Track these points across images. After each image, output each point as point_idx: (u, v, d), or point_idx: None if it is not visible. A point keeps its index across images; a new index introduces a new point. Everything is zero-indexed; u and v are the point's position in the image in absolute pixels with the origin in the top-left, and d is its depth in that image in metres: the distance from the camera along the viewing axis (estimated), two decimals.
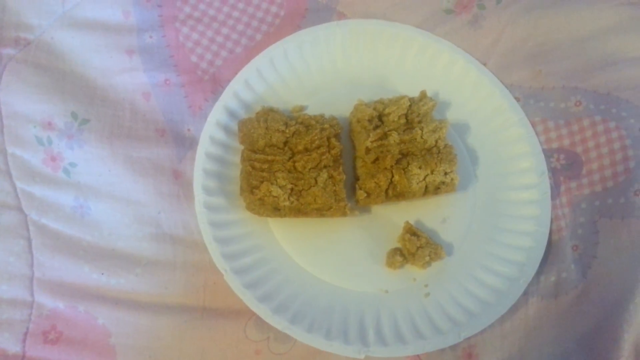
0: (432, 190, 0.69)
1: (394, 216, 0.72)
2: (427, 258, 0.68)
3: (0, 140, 0.69)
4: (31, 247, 0.68)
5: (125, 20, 0.78)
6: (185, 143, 0.74)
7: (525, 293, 0.68)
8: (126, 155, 0.73)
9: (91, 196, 0.71)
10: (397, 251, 0.70)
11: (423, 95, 0.73)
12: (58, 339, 0.66)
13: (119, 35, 0.77)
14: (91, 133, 0.72)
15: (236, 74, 0.76)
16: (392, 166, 0.68)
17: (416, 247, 0.69)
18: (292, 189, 0.67)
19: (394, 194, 0.69)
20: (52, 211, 0.69)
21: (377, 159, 0.69)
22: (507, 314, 0.67)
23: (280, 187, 0.67)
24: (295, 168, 0.69)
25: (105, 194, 0.71)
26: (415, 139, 0.70)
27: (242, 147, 0.71)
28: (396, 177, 0.68)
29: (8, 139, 0.70)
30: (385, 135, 0.70)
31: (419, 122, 0.72)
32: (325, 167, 0.69)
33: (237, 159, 0.71)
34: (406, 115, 0.72)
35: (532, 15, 0.78)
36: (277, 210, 0.68)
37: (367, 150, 0.69)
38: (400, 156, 0.69)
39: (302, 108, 0.76)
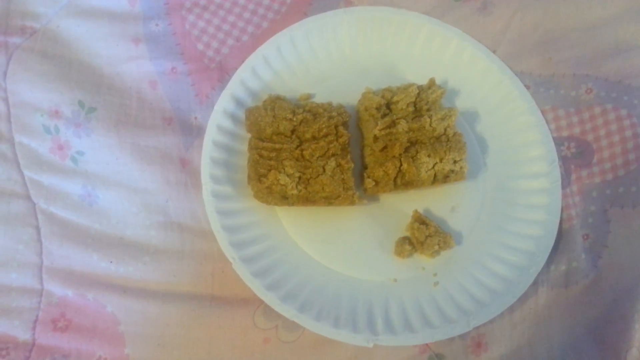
0: (441, 178, 0.68)
1: (403, 205, 0.71)
2: (436, 247, 0.68)
3: (8, 129, 0.69)
4: (40, 236, 0.67)
5: (132, 8, 0.77)
6: (193, 131, 0.74)
7: (535, 282, 0.68)
8: (133, 143, 0.72)
9: (99, 184, 0.70)
10: (405, 240, 0.69)
11: (432, 83, 0.72)
12: (67, 327, 0.66)
13: (125, 23, 0.77)
14: (98, 121, 0.72)
15: (243, 62, 0.75)
16: (400, 154, 0.68)
17: (425, 236, 0.68)
18: (300, 177, 0.67)
19: (403, 182, 0.68)
20: (60, 199, 0.69)
21: (385, 147, 0.68)
22: (516, 304, 0.67)
23: (288, 175, 0.66)
24: (303, 156, 0.68)
25: (113, 183, 0.71)
26: (424, 127, 0.69)
27: (249, 135, 0.70)
28: (405, 166, 0.67)
29: (15, 128, 0.69)
30: (393, 124, 0.69)
31: (428, 110, 0.71)
32: (333, 155, 0.68)
33: (244, 147, 0.71)
34: (415, 103, 0.71)
35: (541, 2, 0.76)
36: (284, 199, 0.67)
37: (375, 138, 0.68)
38: (408, 144, 0.68)
39: (309, 96, 0.75)
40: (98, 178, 0.70)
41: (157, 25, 0.77)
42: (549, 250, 0.68)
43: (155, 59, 0.76)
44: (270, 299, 0.65)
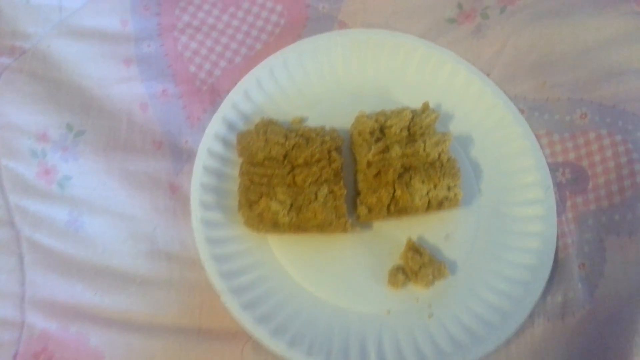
0: (435, 205, 0.66)
1: (396, 232, 0.69)
2: (431, 277, 0.66)
3: None
4: (23, 265, 0.65)
5: (123, 28, 0.76)
6: (183, 156, 0.72)
7: (531, 314, 0.65)
8: (122, 168, 0.70)
9: (85, 211, 0.68)
10: (399, 269, 0.67)
11: (425, 107, 0.71)
12: None
13: (116, 44, 0.75)
14: (86, 145, 0.70)
15: (235, 84, 0.73)
16: (394, 180, 0.66)
17: (419, 266, 0.66)
18: (291, 205, 0.65)
19: (396, 209, 0.66)
20: (46, 226, 0.67)
21: (378, 173, 0.66)
22: (512, 336, 0.64)
23: (279, 202, 0.64)
24: (295, 182, 0.66)
25: (100, 209, 0.69)
26: (418, 152, 0.67)
27: (241, 160, 0.68)
28: (398, 192, 0.65)
29: (1, 151, 0.68)
30: (387, 149, 0.67)
31: (422, 134, 0.69)
32: (325, 181, 0.66)
33: (235, 172, 0.68)
34: (408, 128, 0.69)
35: (536, 25, 0.75)
36: (276, 227, 0.65)
37: (369, 163, 0.67)
38: (402, 170, 0.67)
39: (302, 120, 0.73)
40: (85, 204, 0.68)
41: (149, 46, 0.76)
42: (545, 280, 0.66)
43: (146, 80, 0.74)
44: (259, 333, 0.62)
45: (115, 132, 0.71)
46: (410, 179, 0.66)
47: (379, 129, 0.69)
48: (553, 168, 0.71)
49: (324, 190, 0.65)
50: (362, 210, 0.66)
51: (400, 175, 0.66)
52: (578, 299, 0.66)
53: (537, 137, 0.72)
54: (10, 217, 0.66)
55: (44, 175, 0.68)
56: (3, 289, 0.63)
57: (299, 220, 0.64)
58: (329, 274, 0.67)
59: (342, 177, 0.67)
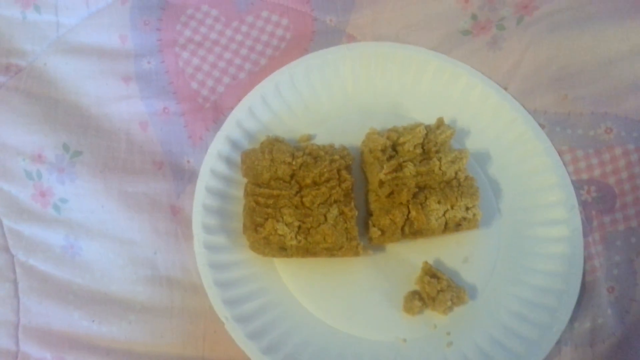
0: (452, 227, 0.65)
1: (411, 255, 0.68)
2: (449, 303, 0.64)
3: None
4: (17, 291, 0.65)
5: (122, 45, 0.76)
6: (185, 176, 0.71)
7: (558, 341, 0.64)
8: (120, 190, 0.70)
9: (82, 235, 0.68)
10: (415, 295, 0.66)
11: (440, 122, 0.70)
12: None
13: (115, 61, 0.75)
14: (83, 166, 0.70)
15: (239, 101, 0.73)
16: (408, 201, 0.65)
17: (436, 291, 0.64)
18: (299, 227, 0.64)
19: (411, 231, 0.65)
20: (41, 251, 0.67)
21: (391, 192, 0.65)
22: None
23: (286, 224, 0.63)
24: (302, 204, 0.65)
25: (98, 233, 0.68)
26: (433, 170, 0.66)
27: (245, 180, 0.67)
28: (413, 213, 0.64)
29: None
30: (400, 167, 0.66)
31: (437, 152, 0.68)
32: (335, 202, 0.65)
33: (240, 193, 0.68)
34: (422, 145, 0.68)
35: (555, 35, 0.74)
36: (283, 250, 0.64)
37: (381, 183, 0.66)
38: (416, 190, 0.65)
39: (310, 137, 0.73)
40: (82, 228, 0.68)
41: (149, 62, 0.75)
42: (573, 306, 0.64)
43: (146, 98, 0.74)
44: None
45: (113, 152, 0.71)
46: (426, 199, 0.65)
47: (391, 147, 0.68)
48: (577, 186, 0.70)
49: (334, 211, 0.64)
50: (375, 232, 0.64)
51: (414, 195, 0.65)
52: (608, 325, 0.64)
53: (560, 153, 0.71)
54: (5, 242, 0.66)
55: (39, 197, 0.68)
56: None
57: (308, 244, 0.63)
58: (340, 300, 0.66)
59: (352, 197, 0.66)
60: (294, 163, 0.66)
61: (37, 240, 0.66)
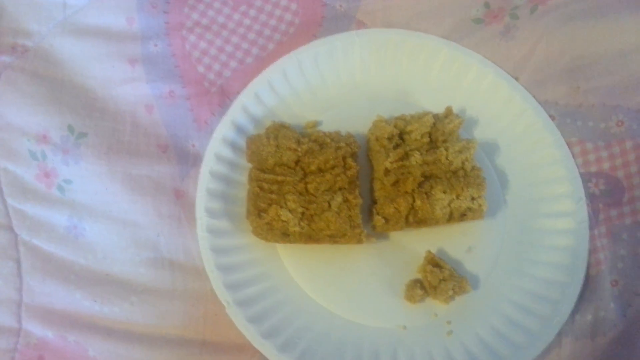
0: (457, 216, 0.67)
1: (415, 244, 0.70)
2: (451, 292, 0.66)
3: None
4: (20, 270, 0.67)
5: (129, 27, 0.78)
6: (189, 160, 0.73)
7: (559, 333, 0.66)
8: (125, 172, 0.72)
9: (86, 216, 0.70)
10: (417, 283, 0.68)
11: (449, 111, 0.72)
12: None
13: (121, 43, 0.77)
14: (88, 148, 0.72)
15: (246, 86, 0.75)
16: (413, 190, 0.67)
17: (438, 280, 0.67)
18: (303, 213, 0.66)
19: (415, 220, 0.67)
20: (45, 231, 0.68)
21: (397, 181, 0.67)
22: (537, 357, 0.65)
23: (290, 210, 0.65)
24: (307, 190, 0.67)
25: (101, 214, 0.70)
26: (440, 160, 0.68)
27: (249, 165, 0.69)
28: (418, 202, 0.66)
29: (0, 153, 0.69)
30: (406, 155, 0.68)
31: (444, 141, 0.70)
32: (340, 189, 0.67)
33: (244, 178, 0.70)
34: (430, 134, 0.70)
35: (569, 26, 0.75)
36: (286, 236, 0.66)
37: (387, 171, 0.68)
38: (422, 179, 0.68)
39: (316, 124, 0.75)
40: (85, 209, 0.70)
41: (155, 45, 0.77)
42: (575, 298, 0.67)
43: (152, 81, 0.76)
44: (266, 348, 0.64)
45: (118, 135, 0.73)
46: (431, 188, 0.67)
47: (398, 135, 0.70)
48: (585, 179, 0.71)
49: (338, 198, 0.66)
50: (379, 220, 0.67)
51: (420, 184, 0.67)
52: (609, 318, 0.66)
53: (569, 145, 0.72)
54: (8, 221, 0.67)
55: (43, 178, 0.70)
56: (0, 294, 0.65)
57: (311, 230, 0.66)
58: (342, 287, 0.69)
59: (358, 185, 0.68)
60: (299, 149, 0.68)
61: (40, 221, 0.68)
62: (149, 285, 0.69)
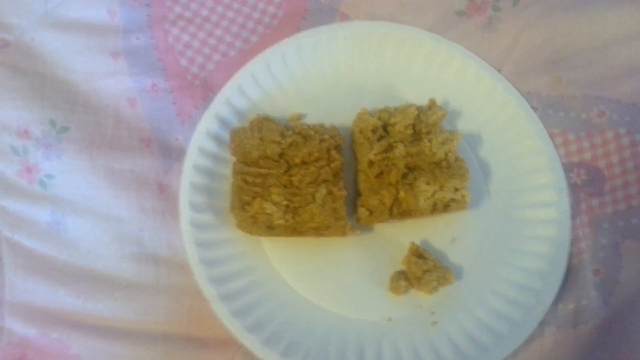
0: (440, 207, 0.67)
1: (399, 236, 0.70)
2: (435, 283, 0.66)
3: None
4: (2, 267, 0.66)
5: (111, 20, 0.77)
6: (173, 154, 0.73)
7: (542, 322, 0.66)
8: (107, 167, 0.71)
9: (68, 211, 0.69)
10: (401, 275, 0.68)
11: (432, 103, 0.72)
12: None
13: (103, 36, 0.76)
14: (70, 142, 0.71)
15: (229, 79, 0.74)
16: (397, 181, 0.66)
17: (422, 271, 0.66)
18: (287, 206, 0.65)
19: (399, 211, 0.67)
20: (27, 227, 0.68)
21: (381, 173, 0.67)
22: (521, 346, 0.65)
23: (274, 203, 0.65)
24: (291, 183, 0.67)
25: (84, 209, 0.69)
26: (423, 151, 0.68)
27: (234, 159, 0.69)
28: (402, 194, 0.66)
29: None
30: (390, 147, 0.68)
31: (428, 133, 0.70)
32: (324, 181, 0.67)
33: (228, 171, 0.69)
34: (413, 126, 0.70)
35: (551, 18, 0.75)
36: (270, 229, 0.66)
37: (371, 163, 0.67)
38: (406, 170, 0.67)
39: (300, 117, 0.74)
40: (68, 204, 0.69)
41: (137, 38, 0.77)
42: (557, 288, 0.66)
43: (134, 74, 0.75)
44: (251, 341, 0.64)
45: (101, 129, 0.72)
46: (415, 179, 0.66)
47: (382, 127, 0.69)
48: (567, 169, 0.71)
49: (322, 191, 0.66)
50: (363, 212, 0.66)
51: (404, 176, 0.67)
52: (591, 306, 0.66)
53: (551, 136, 0.72)
54: None
55: (25, 173, 0.69)
56: None
57: (295, 223, 0.65)
58: (327, 280, 0.68)
59: (342, 177, 0.67)
60: (283, 142, 0.67)
61: (22, 216, 0.67)
62: (132, 281, 0.68)
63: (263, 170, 0.66)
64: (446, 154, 0.68)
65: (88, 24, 0.76)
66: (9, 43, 0.73)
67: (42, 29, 0.74)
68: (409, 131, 0.69)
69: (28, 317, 0.65)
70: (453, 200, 0.67)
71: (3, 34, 0.73)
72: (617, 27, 0.74)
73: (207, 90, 0.75)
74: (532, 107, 0.74)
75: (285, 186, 0.66)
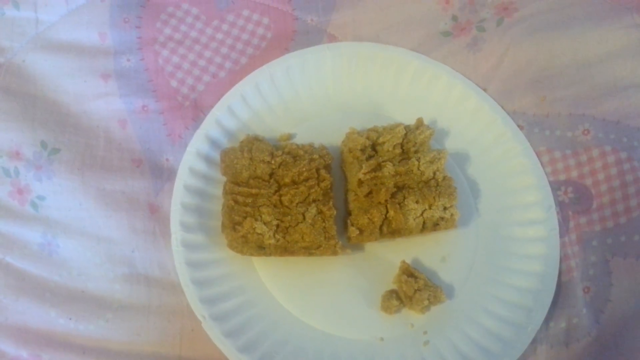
0: (430, 226, 0.66)
1: (389, 255, 0.69)
2: (426, 302, 0.65)
3: None
4: None
5: (102, 42, 0.76)
6: (163, 174, 0.72)
7: (534, 341, 0.65)
8: (98, 187, 0.70)
9: (60, 232, 0.68)
10: (393, 294, 0.67)
11: (420, 123, 0.71)
12: None
13: (94, 58, 0.75)
14: (61, 164, 0.70)
15: (219, 99, 0.73)
16: (386, 200, 0.66)
17: (414, 290, 0.65)
18: (277, 226, 0.65)
19: (389, 230, 0.66)
20: (18, 248, 0.67)
21: (370, 192, 0.66)
22: None
23: (265, 223, 0.64)
24: (281, 202, 0.66)
25: (75, 230, 0.68)
26: (412, 170, 0.67)
27: (224, 179, 0.68)
28: (391, 213, 0.65)
29: None
30: (379, 167, 0.67)
31: (416, 152, 0.69)
32: (314, 201, 0.66)
33: (218, 191, 0.69)
34: (402, 145, 0.69)
35: (535, 37, 0.75)
36: (261, 249, 0.65)
37: (360, 182, 0.67)
38: (395, 189, 0.66)
39: (289, 136, 0.73)
40: (59, 225, 0.68)
41: (128, 60, 0.76)
42: (548, 306, 0.66)
43: (125, 96, 0.74)
44: None
45: (92, 150, 0.71)
46: (404, 198, 0.66)
47: (371, 146, 0.69)
48: (555, 187, 0.71)
49: (313, 210, 0.65)
50: (353, 231, 0.65)
51: (393, 195, 0.66)
52: (583, 324, 0.66)
53: (538, 154, 0.72)
54: None
55: (16, 194, 0.68)
56: None
57: (286, 242, 0.64)
58: (318, 299, 0.67)
59: (331, 196, 0.67)
60: (273, 162, 0.67)
61: (14, 238, 0.67)
62: (124, 302, 0.67)
63: (253, 190, 0.66)
64: (434, 173, 0.68)
65: (79, 46, 0.75)
66: (0, 65, 0.72)
67: (34, 51, 0.74)
68: (398, 150, 0.69)
69: (19, 338, 0.64)
70: (442, 218, 0.66)
71: None
72: (598, 46, 0.74)
73: (197, 111, 0.74)
74: (518, 126, 0.73)
75: (275, 206, 0.65)
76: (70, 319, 0.65)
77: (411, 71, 0.75)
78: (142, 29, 0.77)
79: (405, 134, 0.69)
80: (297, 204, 0.65)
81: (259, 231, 0.63)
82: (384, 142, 0.69)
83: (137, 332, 0.66)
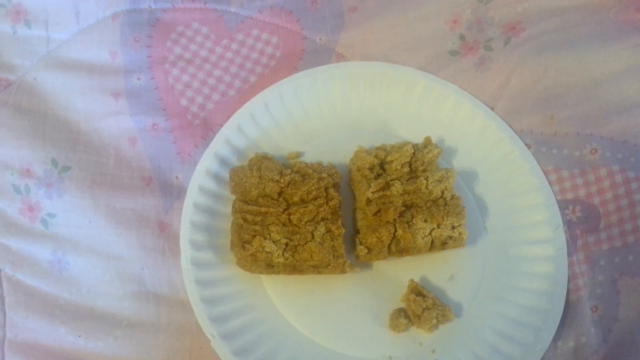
0: (438, 245, 0.67)
1: (398, 273, 0.69)
2: (434, 321, 0.65)
3: None
4: (4, 305, 0.66)
5: (112, 61, 0.77)
6: (173, 192, 0.72)
7: None
8: (108, 205, 0.70)
9: (70, 250, 0.68)
10: (401, 312, 0.67)
11: (428, 141, 0.71)
12: None
13: (104, 76, 0.76)
14: (72, 181, 0.71)
15: (228, 118, 0.74)
16: (395, 219, 0.66)
17: (422, 309, 0.65)
18: (286, 244, 0.65)
19: (398, 249, 0.66)
20: (28, 266, 0.67)
21: (378, 211, 0.66)
22: None
23: (274, 241, 0.64)
24: (290, 221, 0.66)
25: (85, 248, 0.69)
26: (420, 189, 0.68)
27: (233, 197, 0.68)
28: (399, 232, 0.65)
29: None
30: (387, 185, 0.67)
31: (424, 170, 0.69)
32: (322, 220, 0.66)
33: (228, 210, 0.69)
34: (410, 164, 0.70)
35: (542, 57, 0.75)
36: (270, 267, 0.65)
37: (368, 201, 0.67)
38: (403, 208, 0.67)
39: (298, 155, 0.74)
40: (69, 243, 0.68)
41: (138, 79, 0.76)
42: (557, 325, 0.66)
43: (135, 114, 0.75)
44: None
45: (102, 168, 0.72)
46: (412, 217, 0.66)
47: (379, 165, 0.69)
48: (562, 206, 0.71)
49: (321, 229, 0.65)
50: (362, 250, 0.65)
51: (401, 214, 0.66)
52: (591, 344, 0.66)
53: (545, 173, 0.72)
54: None
55: (27, 212, 0.68)
56: None
57: (295, 261, 0.64)
58: (327, 317, 0.67)
59: (340, 215, 0.67)
60: (282, 181, 0.67)
61: (24, 255, 0.67)
62: (133, 320, 0.67)
63: (262, 209, 0.66)
64: (442, 192, 0.68)
65: (90, 64, 0.76)
66: (12, 83, 0.73)
67: (45, 69, 0.74)
68: (406, 169, 0.69)
69: (29, 355, 0.65)
70: (450, 237, 0.66)
71: (5, 74, 0.73)
72: (606, 65, 0.74)
73: (206, 130, 0.75)
74: (526, 144, 0.73)
75: (284, 224, 0.66)
76: (79, 336, 0.66)
77: (419, 90, 0.76)
78: (152, 47, 0.78)
79: (414, 153, 0.69)
80: (306, 222, 0.66)
81: (267, 249, 0.64)
82: (392, 161, 0.69)
83: (146, 349, 0.66)
